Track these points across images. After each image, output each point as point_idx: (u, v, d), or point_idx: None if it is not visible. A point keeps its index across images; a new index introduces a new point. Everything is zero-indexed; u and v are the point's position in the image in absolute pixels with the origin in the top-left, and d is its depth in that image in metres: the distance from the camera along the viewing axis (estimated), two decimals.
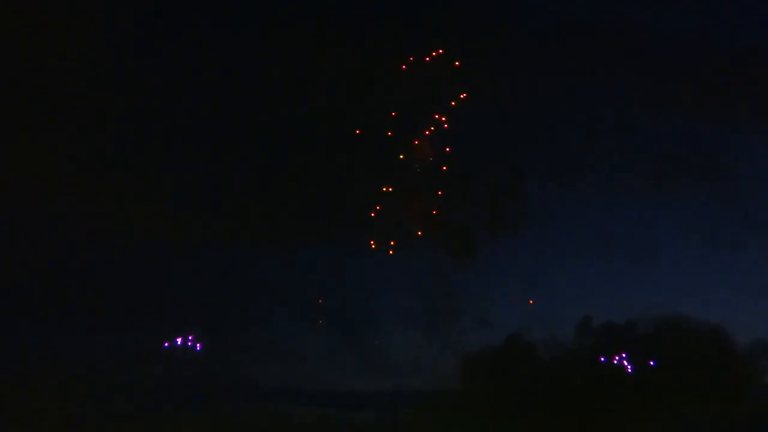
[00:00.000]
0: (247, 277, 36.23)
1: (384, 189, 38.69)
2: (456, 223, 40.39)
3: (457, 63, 38.79)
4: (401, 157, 38.94)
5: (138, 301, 34.77)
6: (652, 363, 39.01)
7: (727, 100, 40.48)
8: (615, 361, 39.33)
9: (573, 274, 41.36)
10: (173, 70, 36.44)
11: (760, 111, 39.76)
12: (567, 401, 37.99)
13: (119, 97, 34.55)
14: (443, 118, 39.30)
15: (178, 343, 35.14)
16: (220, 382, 35.30)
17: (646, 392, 38.15)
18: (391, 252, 37.99)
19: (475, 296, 39.86)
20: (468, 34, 39.13)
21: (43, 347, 33.61)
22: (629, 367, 39.17)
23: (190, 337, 35.15)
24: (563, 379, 38.99)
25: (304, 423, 37.03)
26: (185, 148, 35.60)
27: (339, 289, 38.26)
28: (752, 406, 38.52)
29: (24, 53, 32.68)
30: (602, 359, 39.31)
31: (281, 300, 36.59)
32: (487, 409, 37.77)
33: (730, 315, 39.51)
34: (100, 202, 33.72)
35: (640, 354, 39.41)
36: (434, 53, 38.80)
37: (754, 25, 42.21)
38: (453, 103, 39.05)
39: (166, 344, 35.02)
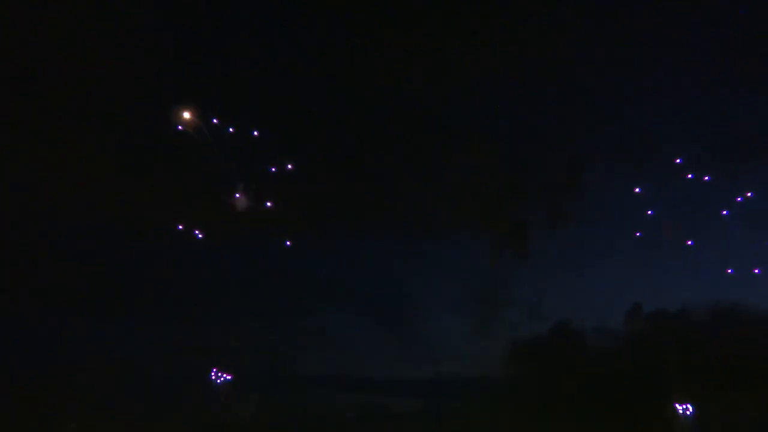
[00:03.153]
0: (294, 269, 37.57)
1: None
2: (513, 219, 40.40)
3: None
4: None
5: (191, 294, 36.71)
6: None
7: None
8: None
9: (623, 262, 40.34)
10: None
11: None
12: (615, 388, 37.39)
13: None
14: None
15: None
16: (267, 370, 36.84)
17: (699, 381, 37.02)
18: None
19: (524, 284, 39.92)
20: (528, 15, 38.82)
21: (109, 339, 36.14)
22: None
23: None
24: (611, 366, 38.55)
25: (347, 409, 37.91)
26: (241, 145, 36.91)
27: (385, 278, 39.22)
28: None
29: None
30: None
31: (326, 290, 37.85)
32: (533, 396, 38.01)
33: None
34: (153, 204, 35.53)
35: (694, 342, 38.25)
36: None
37: None
38: None
39: None
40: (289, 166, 36.03)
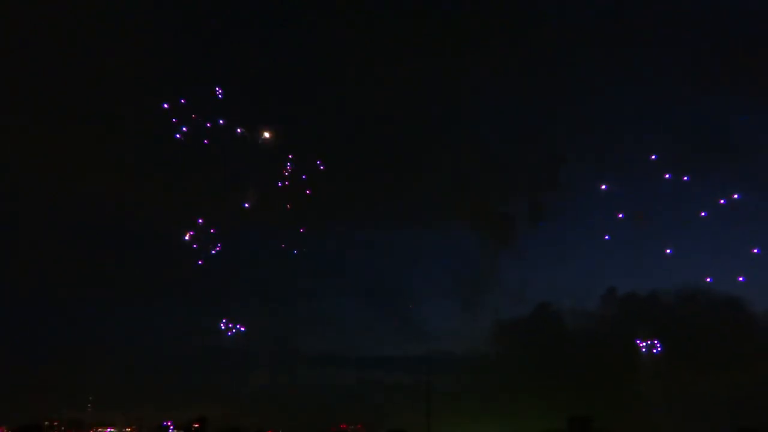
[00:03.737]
0: (298, 258, 39.85)
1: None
2: (500, 212, 42.96)
3: None
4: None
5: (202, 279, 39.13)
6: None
7: (754, 82, 41.46)
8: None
9: (600, 248, 43.16)
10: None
11: None
12: (591, 364, 39.81)
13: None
14: None
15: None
16: (271, 349, 39.09)
17: (667, 358, 39.41)
18: None
19: (509, 271, 42.60)
20: (507, 23, 41.07)
21: (126, 322, 38.79)
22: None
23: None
24: (587, 343, 41.41)
25: (345, 382, 40.26)
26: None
27: (381, 264, 41.68)
28: None
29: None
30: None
31: (325, 275, 40.26)
32: (516, 371, 40.55)
33: (749, 287, 40.71)
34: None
35: (662, 322, 40.56)
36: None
37: None
38: None
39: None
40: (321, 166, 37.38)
